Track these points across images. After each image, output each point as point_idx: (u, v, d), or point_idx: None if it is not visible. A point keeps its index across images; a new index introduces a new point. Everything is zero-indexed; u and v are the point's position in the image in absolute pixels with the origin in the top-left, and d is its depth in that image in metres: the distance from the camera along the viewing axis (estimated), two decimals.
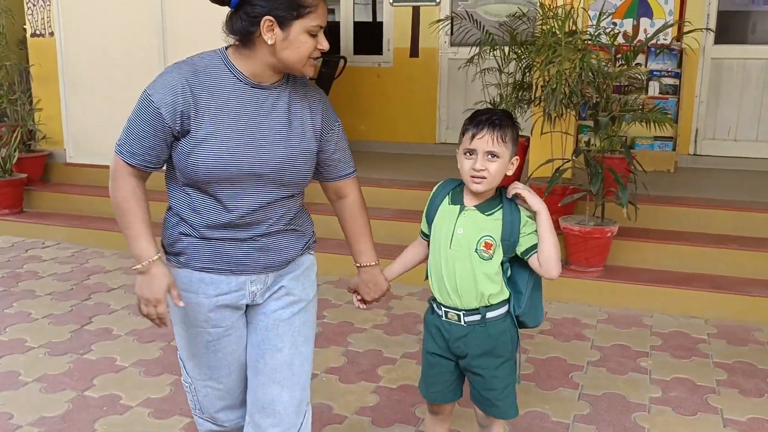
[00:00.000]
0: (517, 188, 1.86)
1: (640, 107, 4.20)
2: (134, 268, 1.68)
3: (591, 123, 4.17)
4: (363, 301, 2.02)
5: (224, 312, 1.74)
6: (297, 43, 1.57)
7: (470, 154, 1.83)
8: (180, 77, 1.58)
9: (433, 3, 6.49)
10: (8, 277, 4.38)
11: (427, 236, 1.99)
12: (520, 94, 4.64)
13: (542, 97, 4.12)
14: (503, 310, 1.92)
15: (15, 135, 5.58)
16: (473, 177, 1.82)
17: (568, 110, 4.15)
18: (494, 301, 1.89)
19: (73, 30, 5.79)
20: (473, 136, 1.82)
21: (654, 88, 5.63)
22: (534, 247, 1.86)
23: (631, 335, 3.56)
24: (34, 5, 5.99)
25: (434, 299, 1.95)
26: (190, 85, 1.58)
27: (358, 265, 1.95)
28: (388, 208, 4.80)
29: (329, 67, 6.34)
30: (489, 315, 1.89)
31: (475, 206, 1.88)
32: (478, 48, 4.77)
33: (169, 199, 1.73)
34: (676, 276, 4.02)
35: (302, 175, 1.70)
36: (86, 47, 5.77)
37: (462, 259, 1.86)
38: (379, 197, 4.85)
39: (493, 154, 1.81)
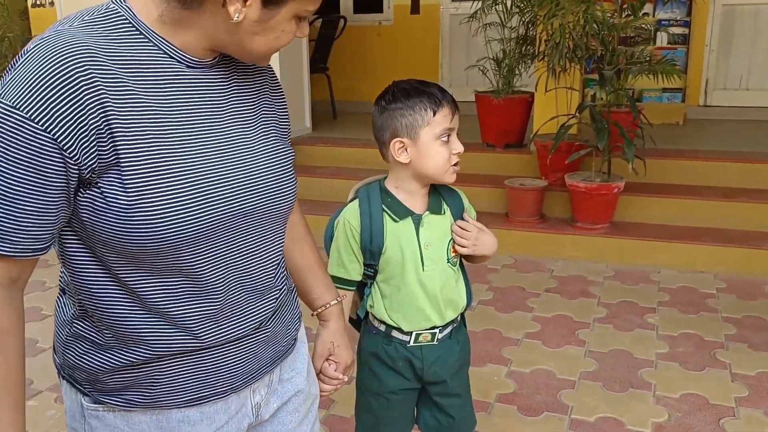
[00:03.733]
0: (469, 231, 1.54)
1: (647, 59, 4.10)
2: None
3: (596, 77, 4.09)
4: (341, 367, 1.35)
5: None
6: (277, 31, 0.93)
7: (447, 138, 1.46)
8: (73, 60, 0.82)
9: None
10: None
11: (349, 283, 1.55)
12: (523, 49, 4.55)
13: (546, 52, 4.04)
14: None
15: None
16: (455, 165, 1.48)
17: (573, 64, 4.07)
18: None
19: None
20: (453, 113, 1.45)
21: (662, 39, 5.50)
22: None
23: (638, 291, 3.54)
24: None
25: (392, 327, 1.57)
26: (97, 74, 0.84)
27: (322, 308, 1.29)
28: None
29: (328, 27, 6.24)
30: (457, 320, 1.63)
31: (428, 210, 1.53)
32: (480, 2, 4.66)
33: (83, 299, 0.95)
34: (684, 231, 3.98)
35: (294, 192, 1.07)
36: None
37: (438, 276, 1.53)
38: (380, 159, 4.79)
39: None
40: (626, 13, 4.07)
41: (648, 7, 5.41)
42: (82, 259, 0.93)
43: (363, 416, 1.70)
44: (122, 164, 0.86)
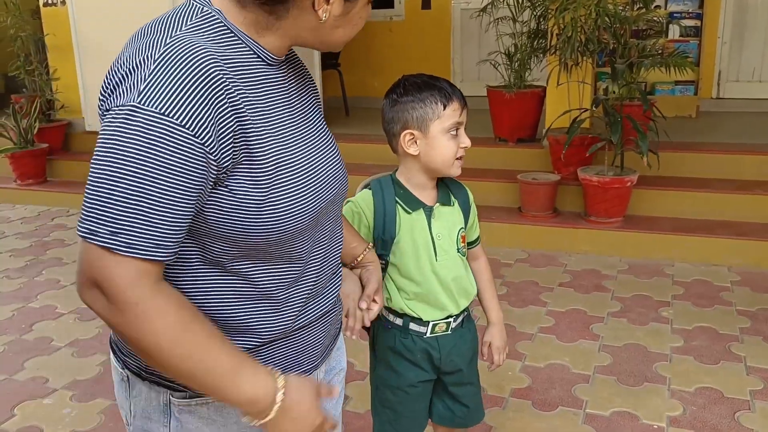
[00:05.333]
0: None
1: (659, 52, 4.08)
2: (256, 421, 0.94)
3: (608, 70, 4.08)
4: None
5: None
6: (356, 19, 1.00)
7: (455, 132, 1.50)
8: (208, 65, 0.86)
9: None
10: (36, 245, 4.47)
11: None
12: (535, 43, 4.54)
13: (558, 46, 4.03)
14: None
15: (34, 106, 5.63)
16: (461, 159, 1.52)
17: (585, 58, 4.06)
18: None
19: None
20: (462, 107, 1.49)
21: (674, 31, 5.46)
22: (477, 240, 1.70)
23: (653, 285, 3.54)
24: None
25: (410, 319, 1.60)
26: (225, 77, 0.88)
27: (364, 252, 1.34)
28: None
29: None
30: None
31: (438, 202, 1.58)
32: None
33: (189, 293, 0.96)
34: (699, 224, 3.97)
35: (347, 178, 1.16)
36: (97, 14, 5.72)
37: (451, 265, 1.58)
38: (393, 155, 4.79)
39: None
40: (638, 5, 4.05)
41: (659, 0, 5.38)
42: (190, 253, 0.94)
43: (381, 412, 1.71)
44: (253, 161, 0.91)
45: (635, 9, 4.04)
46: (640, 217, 4.10)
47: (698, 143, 4.59)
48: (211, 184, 0.88)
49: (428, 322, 1.60)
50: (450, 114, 1.47)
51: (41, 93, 5.98)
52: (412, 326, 1.61)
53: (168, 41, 0.88)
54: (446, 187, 1.61)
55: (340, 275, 1.16)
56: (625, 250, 3.93)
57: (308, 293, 1.05)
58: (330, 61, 6.09)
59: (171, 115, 0.82)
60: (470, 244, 1.69)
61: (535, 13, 4.48)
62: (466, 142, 1.51)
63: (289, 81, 1.04)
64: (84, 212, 0.84)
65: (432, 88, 1.48)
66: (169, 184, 0.83)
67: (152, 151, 0.81)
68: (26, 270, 4.04)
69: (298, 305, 1.04)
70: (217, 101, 0.85)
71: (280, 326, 1.02)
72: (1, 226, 4.94)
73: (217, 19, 0.94)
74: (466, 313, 1.67)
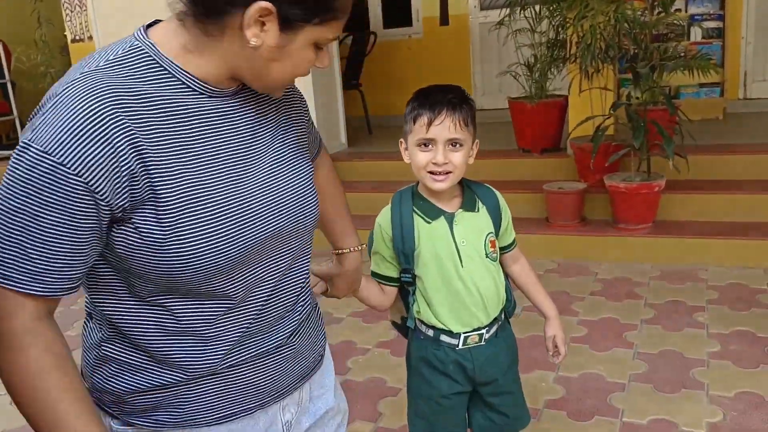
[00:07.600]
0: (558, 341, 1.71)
1: (682, 55, 4.05)
2: None
3: (631, 76, 4.05)
4: (330, 294, 1.46)
5: None
6: (296, 57, 0.94)
7: (426, 146, 1.50)
8: (102, 104, 0.85)
9: None
10: None
11: (389, 279, 1.61)
12: (554, 52, 4.54)
13: (577, 54, 4.02)
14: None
15: None
16: (433, 173, 1.50)
17: (606, 65, 4.04)
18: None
19: (110, 33, 5.91)
20: (429, 122, 1.47)
21: (696, 34, 5.41)
22: (513, 243, 1.69)
23: (686, 290, 3.48)
24: (71, 11, 6.13)
25: (441, 331, 1.60)
26: (125, 116, 0.86)
27: (340, 251, 1.37)
28: None
29: (359, 44, 6.31)
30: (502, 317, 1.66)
31: (461, 208, 1.57)
32: (508, 9, 4.68)
33: (119, 323, 0.97)
34: (731, 226, 3.89)
35: (316, 207, 1.09)
36: None
37: (478, 271, 1.56)
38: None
39: (456, 142, 1.49)
40: (657, 9, 4.03)
41: (679, 3, 5.34)
42: (116, 286, 0.95)
43: (416, 422, 1.71)
44: (158, 200, 0.88)
45: (655, 13, 4.02)
46: (671, 222, 4.04)
47: (727, 145, 4.53)
48: (106, 222, 0.87)
49: (459, 333, 1.59)
50: (417, 129, 1.49)
51: None
52: (444, 338, 1.60)
53: (70, 80, 0.87)
54: (473, 192, 1.61)
55: (297, 313, 1.10)
56: (656, 257, 3.87)
57: (243, 331, 1.00)
58: (351, 81, 6.16)
59: (54, 155, 0.81)
60: (507, 248, 1.68)
61: (553, 23, 4.49)
62: (436, 158, 1.49)
63: (240, 112, 0.99)
64: None
65: (415, 100, 1.51)
66: (48, 222, 0.82)
67: (34, 188, 0.82)
68: None
69: (230, 343, 0.99)
70: (109, 143, 0.83)
71: (207, 362, 0.98)
72: None
73: (144, 52, 0.92)
74: (500, 322, 1.65)
